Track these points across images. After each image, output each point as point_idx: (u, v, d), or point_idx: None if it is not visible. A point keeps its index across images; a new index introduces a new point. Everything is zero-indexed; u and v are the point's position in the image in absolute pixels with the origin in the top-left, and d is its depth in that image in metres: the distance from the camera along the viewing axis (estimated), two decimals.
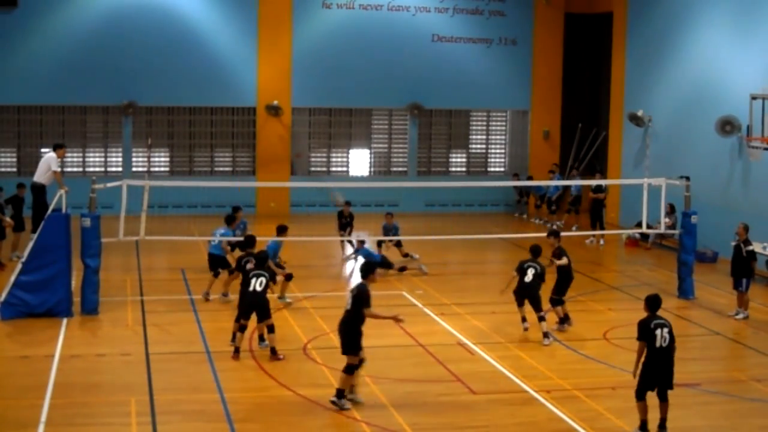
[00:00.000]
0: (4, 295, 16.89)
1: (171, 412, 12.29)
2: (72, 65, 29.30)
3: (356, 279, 20.09)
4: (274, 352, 14.66)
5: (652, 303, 12.04)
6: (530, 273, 16.04)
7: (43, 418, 11.94)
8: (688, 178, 20.45)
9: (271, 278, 15.03)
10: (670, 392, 11.83)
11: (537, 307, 15.98)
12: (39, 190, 20.36)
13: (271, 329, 14.76)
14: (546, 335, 15.86)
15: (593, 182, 26.77)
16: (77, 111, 30.05)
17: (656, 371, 11.70)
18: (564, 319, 16.79)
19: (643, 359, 11.79)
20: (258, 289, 14.53)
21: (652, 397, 11.81)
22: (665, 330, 11.74)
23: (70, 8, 29.40)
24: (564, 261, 16.69)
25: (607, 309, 18.24)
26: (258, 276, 14.60)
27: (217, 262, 18.65)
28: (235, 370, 14.26)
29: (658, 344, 11.68)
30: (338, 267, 22.88)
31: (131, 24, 29.61)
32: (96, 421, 12.00)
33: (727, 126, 23.83)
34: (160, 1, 29.84)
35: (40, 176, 20.31)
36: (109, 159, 30.50)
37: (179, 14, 29.99)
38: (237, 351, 14.71)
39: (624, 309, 18.60)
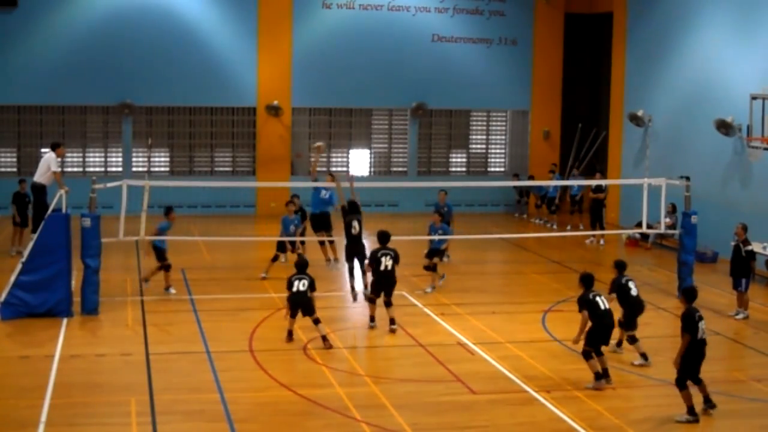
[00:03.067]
0: (4, 295, 16.90)
1: (171, 412, 12.29)
2: (72, 65, 29.31)
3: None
4: (324, 339, 15.47)
5: (690, 295, 12.63)
6: None
7: (43, 418, 11.94)
8: (688, 178, 20.45)
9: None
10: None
11: None
12: (39, 190, 20.38)
13: (316, 321, 15.60)
14: None
15: (593, 182, 26.76)
16: (77, 111, 30.05)
17: (698, 361, 12.39)
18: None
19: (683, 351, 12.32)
20: (301, 289, 15.57)
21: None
22: (703, 322, 12.45)
23: (70, 8, 29.41)
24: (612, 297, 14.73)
25: None
26: (300, 279, 15.67)
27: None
28: (235, 370, 14.26)
29: (699, 336, 12.34)
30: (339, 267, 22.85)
31: (131, 24, 29.62)
32: (96, 421, 12.00)
33: (722, 128, 23.84)
34: (160, 2, 29.85)
35: (40, 176, 20.33)
36: (109, 159, 30.51)
37: (179, 14, 30.00)
38: (290, 334, 15.69)
39: None
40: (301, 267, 15.90)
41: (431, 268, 19.95)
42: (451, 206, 23.20)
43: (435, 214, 20.57)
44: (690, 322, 12.34)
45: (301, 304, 15.58)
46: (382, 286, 16.53)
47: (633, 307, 14.87)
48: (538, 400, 13.09)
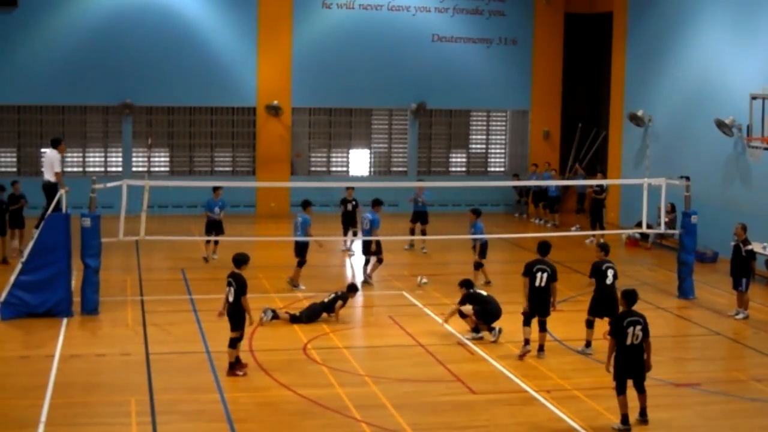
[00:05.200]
0: (4, 295, 16.90)
1: (171, 412, 12.29)
2: (72, 65, 29.30)
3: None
4: (231, 366, 13.81)
5: (629, 298, 12.20)
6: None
7: (43, 418, 11.94)
8: (688, 178, 20.46)
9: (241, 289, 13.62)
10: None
11: None
12: (51, 189, 20.14)
13: (235, 341, 13.78)
14: None
15: (593, 182, 26.75)
16: (77, 111, 30.04)
17: (628, 366, 11.88)
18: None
19: (614, 355, 11.98)
20: (230, 299, 13.76)
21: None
22: (638, 327, 11.89)
23: (70, 8, 29.40)
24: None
25: None
26: (230, 284, 13.76)
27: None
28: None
29: (629, 341, 11.85)
30: (338, 267, 22.84)
31: (131, 24, 29.60)
32: (96, 421, 12.00)
33: (722, 128, 23.83)
34: (160, 2, 29.84)
35: (50, 174, 20.10)
36: (109, 159, 30.50)
37: (179, 14, 29.99)
38: (238, 361, 14.02)
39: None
40: (237, 263, 14.01)
41: (478, 266, 20.24)
42: (429, 196, 25.09)
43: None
44: (617, 326, 11.92)
45: (230, 317, 13.75)
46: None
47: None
48: (538, 400, 13.09)
